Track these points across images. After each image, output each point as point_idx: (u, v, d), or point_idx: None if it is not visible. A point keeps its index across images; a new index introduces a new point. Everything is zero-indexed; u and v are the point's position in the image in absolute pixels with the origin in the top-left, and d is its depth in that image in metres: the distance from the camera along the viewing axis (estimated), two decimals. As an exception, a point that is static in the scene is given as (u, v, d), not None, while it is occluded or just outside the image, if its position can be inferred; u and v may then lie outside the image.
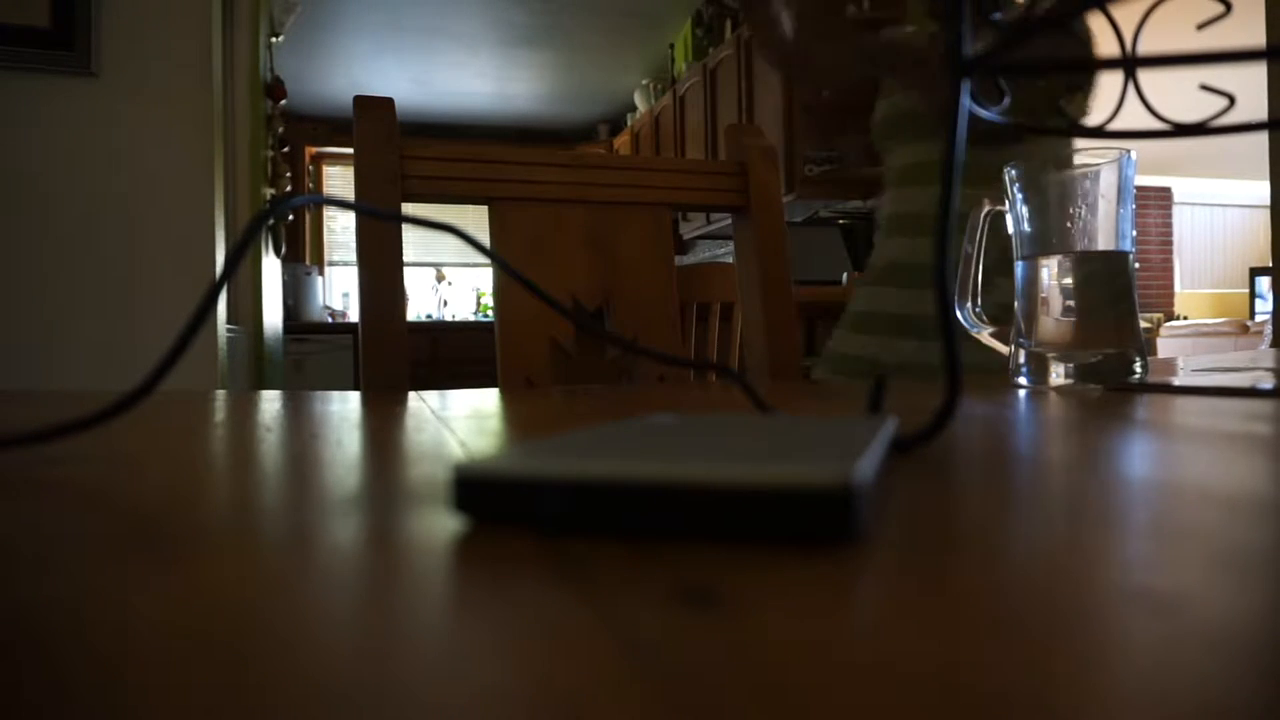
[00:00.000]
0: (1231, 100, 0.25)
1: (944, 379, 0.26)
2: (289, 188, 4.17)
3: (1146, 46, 0.23)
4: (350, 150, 2.34)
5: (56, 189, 2.23)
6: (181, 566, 0.14)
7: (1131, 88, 0.24)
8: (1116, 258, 0.59)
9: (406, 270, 0.82)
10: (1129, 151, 0.58)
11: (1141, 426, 0.34)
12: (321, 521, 0.18)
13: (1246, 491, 0.19)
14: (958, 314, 0.66)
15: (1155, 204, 7.34)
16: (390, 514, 0.18)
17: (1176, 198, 7.41)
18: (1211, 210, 7.56)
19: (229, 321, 2.75)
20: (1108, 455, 0.26)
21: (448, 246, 6.49)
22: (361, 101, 0.84)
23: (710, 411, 0.34)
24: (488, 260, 1.21)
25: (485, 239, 1.08)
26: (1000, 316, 1.55)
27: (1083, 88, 1.11)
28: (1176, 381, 0.55)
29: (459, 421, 0.40)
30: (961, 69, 0.24)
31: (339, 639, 0.11)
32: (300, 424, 0.40)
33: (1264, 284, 6.69)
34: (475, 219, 5.17)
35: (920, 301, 1.17)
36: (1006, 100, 0.26)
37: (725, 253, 5.02)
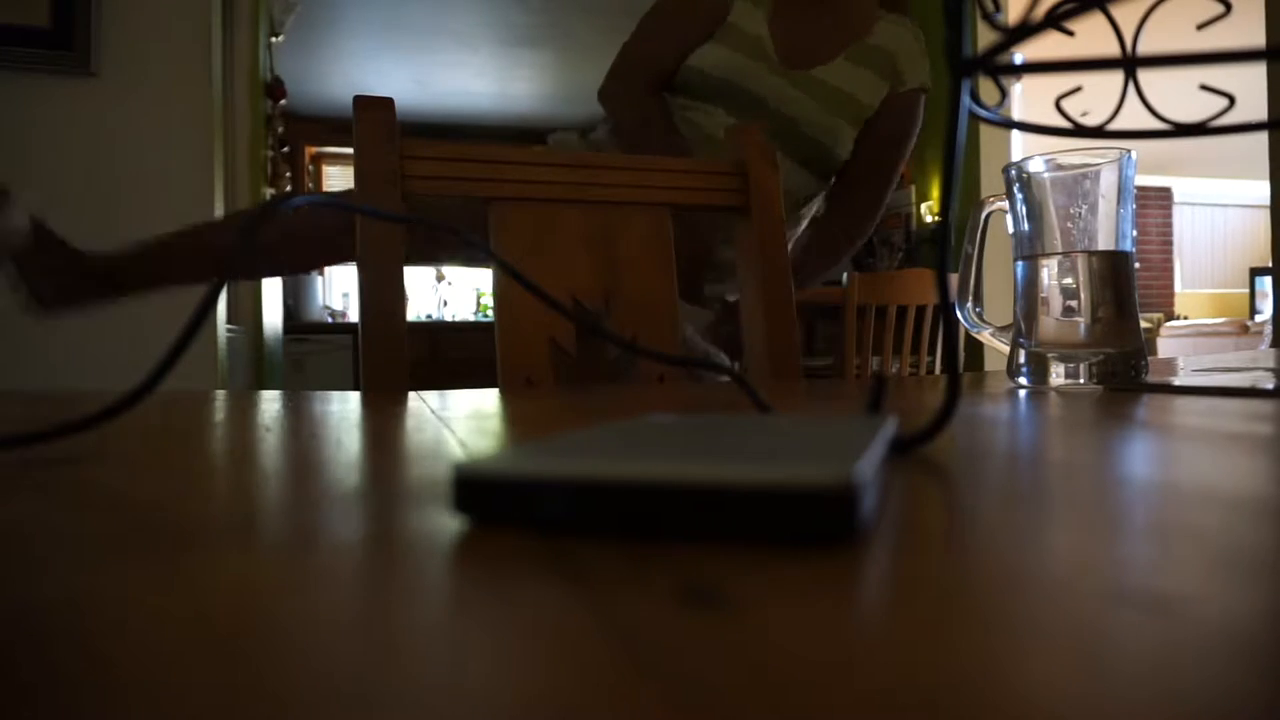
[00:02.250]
0: (1231, 100, 0.25)
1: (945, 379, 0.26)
2: (289, 188, 4.17)
3: (1146, 46, 0.23)
4: (350, 150, 2.34)
5: (56, 189, 2.23)
6: (181, 566, 0.14)
7: (1131, 88, 0.24)
8: (1117, 258, 0.59)
9: (406, 270, 0.82)
10: (1129, 151, 0.58)
11: (1141, 426, 0.34)
12: (321, 521, 0.18)
13: (1247, 492, 0.19)
14: (958, 313, 0.66)
15: (1155, 204, 7.34)
16: (390, 514, 0.18)
17: (1176, 198, 7.41)
18: (1211, 210, 7.56)
19: (229, 321, 2.75)
20: (1108, 455, 0.26)
21: (448, 246, 6.47)
22: (361, 101, 0.84)
23: (710, 411, 0.34)
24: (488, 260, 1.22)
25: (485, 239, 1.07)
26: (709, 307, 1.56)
27: None
28: (1176, 381, 0.55)
29: (459, 421, 0.40)
30: (961, 69, 0.24)
31: (339, 639, 0.11)
32: (300, 424, 0.40)
33: (1266, 284, 6.69)
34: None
35: None
36: (1006, 100, 0.26)
37: (725, 253, 5.01)
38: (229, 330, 2.69)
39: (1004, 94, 0.25)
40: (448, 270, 6.44)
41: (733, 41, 1.26)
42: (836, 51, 1.30)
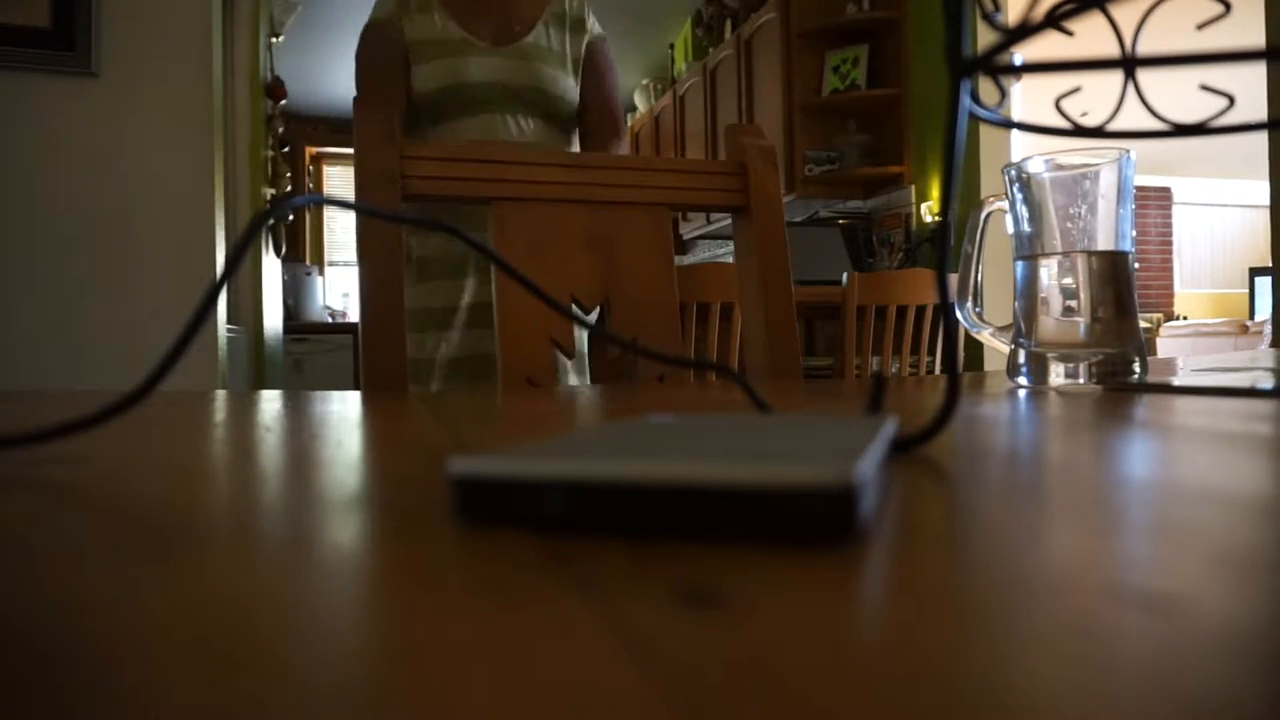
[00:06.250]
0: (1231, 100, 0.25)
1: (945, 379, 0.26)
2: (289, 188, 4.17)
3: (1146, 46, 0.23)
4: (350, 150, 2.34)
5: (57, 189, 2.23)
6: (181, 567, 0.14)
7: (1131, 88, 0.24)
8: (1116, 258, 0.59)
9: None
10: (1129, 151, 0.58)
11: (1141, 426, 0.34)
12: (320, 522, 0.18)
13: (1247, 492, 0.19)
14: (958, 313, 0.66)
15: (1155, 204, 7.34)
16: (389, 514, 0.18)
17: (1176, 198, 7.41)
18: (1211, 210, 7.56)
19: (229, 321, 2.75)
20: (1107, 455, 0.26)
21: (448, 246, 6.46)
22: (361, 102, 0.84)
23: (710, 411, 0.34)
24: (488, 260, 1.22)
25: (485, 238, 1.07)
26: (477, 320, 1.60)
27: None
28: (1176, 381, 0.55)
29: (459, 421, 0.40)
30: (961, 69, 0.24)
31: (337, 640, 0.11)
32: (300, 424, 0.40)
33: (1265, 284, 6.68)
34: (475, 219, 5.16)
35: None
36: (1006, 100, 0.26)
37: (725, 253, 5.02)
38: (229, 330, 2.69)
39: (1004, 94, 0.25)
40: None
41: (435, 52, 1.39)
42: (532, 23, 1.47)
